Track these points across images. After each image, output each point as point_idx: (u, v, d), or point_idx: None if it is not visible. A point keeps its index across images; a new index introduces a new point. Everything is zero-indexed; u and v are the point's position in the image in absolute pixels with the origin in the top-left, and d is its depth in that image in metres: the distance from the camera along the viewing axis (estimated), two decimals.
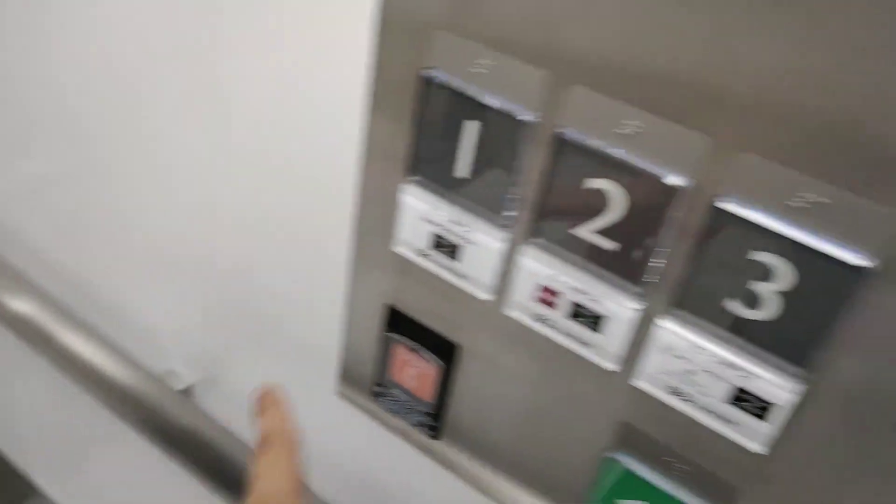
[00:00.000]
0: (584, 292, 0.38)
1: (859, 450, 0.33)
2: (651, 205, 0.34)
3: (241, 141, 0.51)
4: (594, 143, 0.34)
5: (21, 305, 0.67)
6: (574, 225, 0.37)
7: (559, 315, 0.39)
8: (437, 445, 0.51)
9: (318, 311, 0.53)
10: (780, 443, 0.35)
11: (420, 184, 0.41)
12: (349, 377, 0.54)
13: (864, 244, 0.29)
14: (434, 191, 0.41)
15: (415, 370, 0.49)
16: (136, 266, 0.66)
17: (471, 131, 0.38)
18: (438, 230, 0.42)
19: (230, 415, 0.64)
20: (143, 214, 0.62)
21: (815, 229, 0.30)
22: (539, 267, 0.39)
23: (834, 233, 0.30)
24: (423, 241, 0.43)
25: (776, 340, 0.33)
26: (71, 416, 0.85)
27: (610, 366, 0.39)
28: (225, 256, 0.58)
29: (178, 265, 0.62)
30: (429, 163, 0.40)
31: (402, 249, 0.44)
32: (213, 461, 0.61)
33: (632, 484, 0.42)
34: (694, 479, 0.40)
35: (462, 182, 0.40)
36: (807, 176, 0.29)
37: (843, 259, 0.30)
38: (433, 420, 0.50)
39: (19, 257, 0.74)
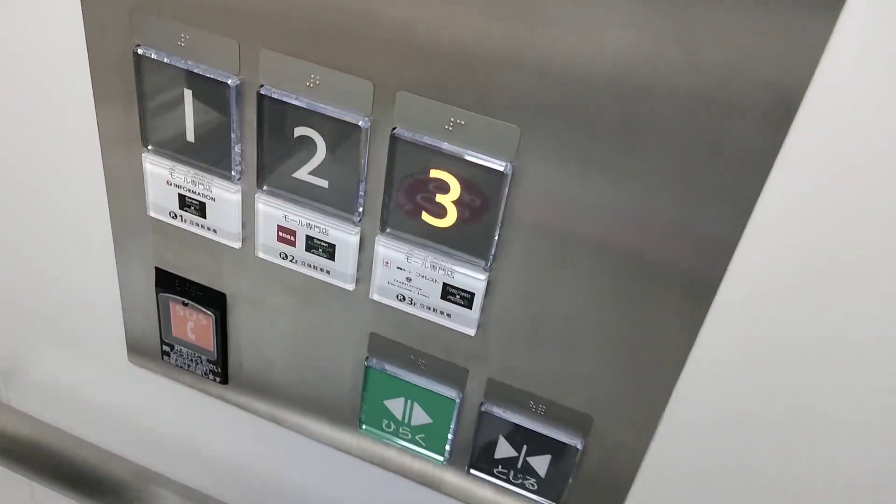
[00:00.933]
0: (314, 226, 0.44)
1: (543, 314, 0.42)
2: (345, 144, 0.40)
3: None
4: (290, 97, 0.40)
5: None
6: (293, 170, 0.42)
7: (299, 250, 0.45)
8: (227, 390, 0.56)
9: (96, 286, 0.56)
10: (483, 324, 0.43)
11: (157, 152, 0.45)
12: (137, 343, 0.57)
13: (499, 152, 0.37)
14: (171, 157, 0.45)
15: (192, 324, 0.53)
16: None
17: (188, 99, 0.42)
18: (182, 191, 0.46)
19: (41, 406, 0.65)
20: None
21: (467, 144, 0.37)
22: (273, 210, 0.44)
23: (481, 145, 0.37)
24: (172, 204, 0.47)
25: (462, 241, 0.41)
26: None
27: (349, 286, 0.45)
28: None
29: None
30: (161, 131, 0.44)
31: (155, 214, 0.48)
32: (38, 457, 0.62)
33: (389, 384, 0.49)
34: (435, 369, 0.47)
35: (193, 145, 0.44)
36: (450, 105, 0.36)
37: (487, 166, 0.37)
38: (218, 367, 0.55)
39: None
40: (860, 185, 0.32)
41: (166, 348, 0.56)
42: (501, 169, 0.37)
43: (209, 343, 0.54)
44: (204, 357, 0.55)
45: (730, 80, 0.31)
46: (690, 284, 0.37)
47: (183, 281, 0.51)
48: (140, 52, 0.41)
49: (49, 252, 0.56)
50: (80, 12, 0.42)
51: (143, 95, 0.43)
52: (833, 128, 0.31)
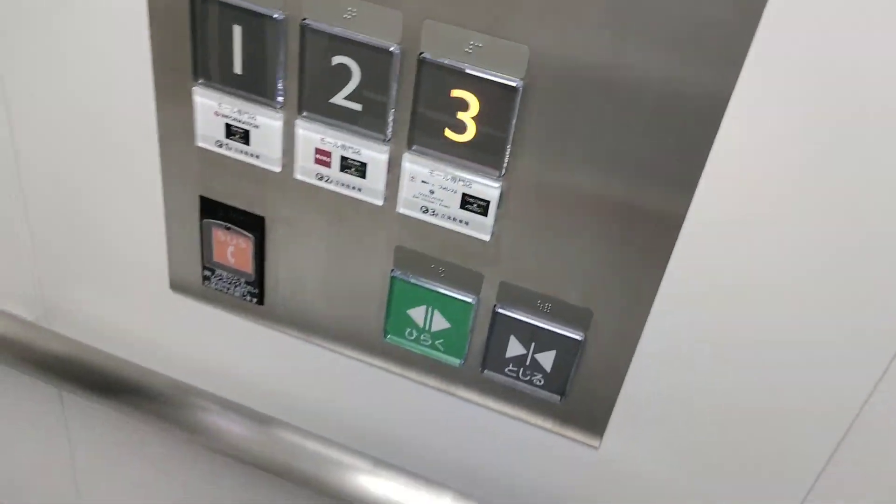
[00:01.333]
0: (347, 147, 0.50)
1: (547, 219, 0.48)
2: (377, 70, 0.46)
3: (32, 66, 0.58)
4: (330, 28, 0.46)
5: None
6: (330, 96, 0.49)
7: (334, 170, 0.51)
8: (263, 309, 0.62)
9: (142, 216, 0.62)
10: (497, 229, 0.50)
11: (206, 84, 0.51)
12: (179, 271, 0.63)
13: (512, 70, 0.43)
14: (219, 89, 0.51)
15: (233, 248, 0.60)
16: None
17: (238, 34, 0.48)
18: (229, 121, 0.52)
19: (83, 335, 0.71)
20: None
21: (484, 64, 0.44)
22: (311, 135, 0.50)
23: (496, 65, 0.44)
24: (219, 133, 0.53)
25: (479, 153, 0.47)
26: None
27: (378, 202, 0.52)
28: (37, 186, 0.65)
29: None
30: (211, 65, 0.50)
31: (203, 144, 0.54)
32: (94, 377, 0.68)
33: (412, 293, 0.56)
34: (453, 276, 0.54)
35: (240, 77, 0.50)
36: (469, 30, 0.43)
37: (503, 82, 0.44)
38: (255, 288, 0.61)
39: None
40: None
41: (207, 273, 0.62)
42: (514, 85, 0.44)
43: (248, 265, 0.60)
44: (243, 279, 0.61)
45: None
46: (671, 190, 0.44)
47: (225, 207, 0.58)
48: None
49: (97, 185, 0.62)
50: None
51: (195, 33, 0.49)
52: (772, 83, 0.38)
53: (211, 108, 0.52)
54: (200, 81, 0.51)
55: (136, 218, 0.62)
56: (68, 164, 0.62)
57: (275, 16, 0.46)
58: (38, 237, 0.68)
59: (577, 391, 0.55)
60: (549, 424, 0.58)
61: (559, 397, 0.56)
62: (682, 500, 0.58)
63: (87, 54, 0.55)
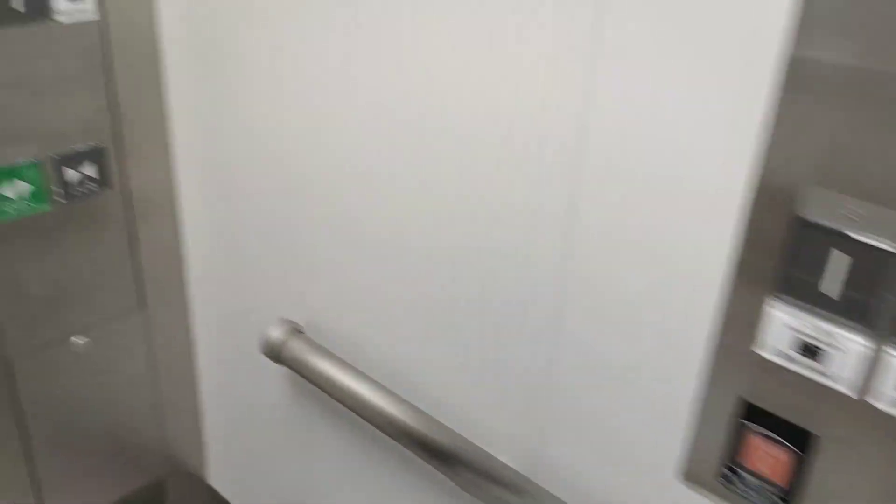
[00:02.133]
0: None
1: None
2: None
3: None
4: None
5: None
6: None
7: None
8: None
9: (666, 402, 0.63)
10: None
11: (786, 300, 0.51)
12: (695, 463, 0.63)
13: None
14: (799, 306, 0.51)
15: (767, 456, 0.57)
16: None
17: (839, 260, 0.47)
18: (803, 337, 0.51)
19: (571, 491, 0.74)
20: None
21: None
22: None
23: None
24: (785, 345, 0.52)
25: None
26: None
27: None
28: (570, 364, 0.70)
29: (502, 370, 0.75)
30: (795, 283, 0.50)
31: (763, 352, 0.54)
32: None
33: None
34: None
35: (828, 299, 0.49)
36: None
37: None
38: (783, 502, 0.58)
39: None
40: None
41: (727, 472, 0.61)
42: None
43: (781, 478, 0.57)
44: (770, 490, 0.58)
45: None
46: None
47: (768, 414, 0.56)
48: (805, 217, 0.48)
49: (634, 364, 0.65)
50: (752, 180, 0.51)
51: (787, 253, 0.50)
52: None
53: (784, 321, 0.51)
54: (779, 296, 0.51)
55: (660, 403, 0.64)
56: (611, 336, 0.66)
57: (885, 248, 0.45)
58: (544, 397, 0.73)
59: None
60: None
61: None
62: None
63: (672, 244, 0.59)
